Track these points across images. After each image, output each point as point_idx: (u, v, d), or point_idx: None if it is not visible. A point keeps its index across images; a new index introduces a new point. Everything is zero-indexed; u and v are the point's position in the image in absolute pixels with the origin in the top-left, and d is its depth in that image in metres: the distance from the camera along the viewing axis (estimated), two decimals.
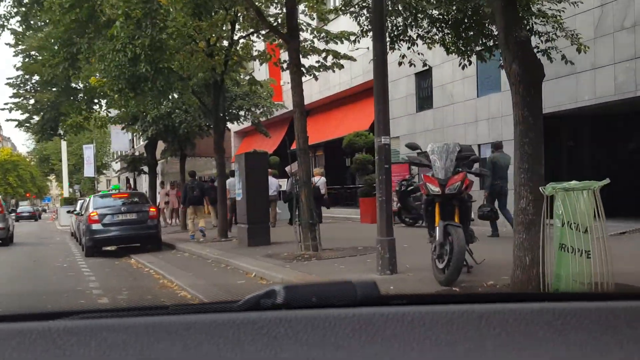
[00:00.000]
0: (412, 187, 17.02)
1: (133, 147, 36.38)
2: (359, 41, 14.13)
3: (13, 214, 31.55)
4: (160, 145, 29.35)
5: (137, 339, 1.10)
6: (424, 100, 18.98)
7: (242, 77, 20.32)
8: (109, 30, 11.47)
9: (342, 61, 17.25)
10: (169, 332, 1.12)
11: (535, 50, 12.03)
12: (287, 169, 12.73)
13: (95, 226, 17.40)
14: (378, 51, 9.18)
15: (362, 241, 13.41)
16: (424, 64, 11.77)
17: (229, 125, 26.99)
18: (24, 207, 75.01)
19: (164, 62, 11.72)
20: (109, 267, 14.74)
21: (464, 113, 16.68)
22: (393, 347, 1.11)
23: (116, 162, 33.49)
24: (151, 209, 17.99)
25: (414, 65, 11.50)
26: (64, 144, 49.26)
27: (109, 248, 18.25)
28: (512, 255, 6.74)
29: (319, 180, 20.06)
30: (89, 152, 52.62)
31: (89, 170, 52.15)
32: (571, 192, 5.20)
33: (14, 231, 25.17)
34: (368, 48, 21.96)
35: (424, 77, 19.03)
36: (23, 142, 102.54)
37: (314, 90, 26.38)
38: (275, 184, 20.50)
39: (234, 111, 23.95)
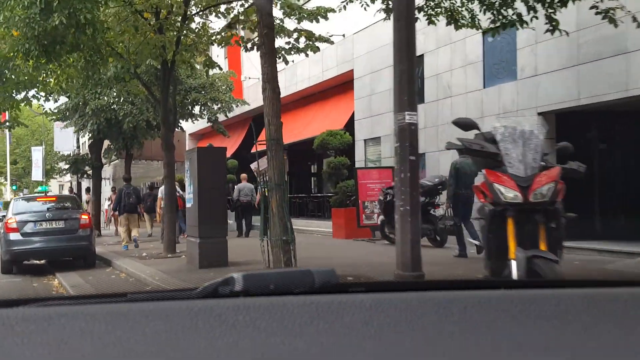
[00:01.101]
0: None
1: (78, 147, 32.26)
2: (345, 7, 10.81)
3: None
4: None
5: (96, 326, 1.05)
6: None
7: (198, 66, 16.72)
8: None
9: (315, 44, 13.87)
10: (127, 320, 1.07)
11: (593, 9, 8.86)
12: (253, 166, 9.26)
13: (12, 236, 13.62)
14: None
15: (346, 264, 10.05)
16: (453, 21, 8.43)
17: (183, 125, 23.46)
18: None
19: (86, 13, 8.12)
20: (19, 293, 11.01)
21: (466, 107, 13.35)
22: (351, 333, 1.06)
23: (58, 164, 29.38)
24: (83, 216, 14.26)
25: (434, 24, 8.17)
26: (8, 145, 44.65)
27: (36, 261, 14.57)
28: None
29: None
30: (37, 154, 48.59)
31: (36, 174, 47.88)
32: None
33: None
34: (344, 35, 18.71)
35: None
36: None
37: (280, 85, 22.94)
38: (250, 188, 18.54)
39: (188, 107, 20.35)
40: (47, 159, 50.18)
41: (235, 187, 18.76)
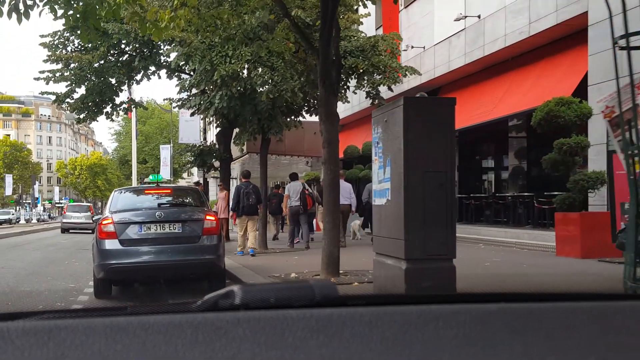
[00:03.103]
0: None
1: (205, 139, 28.14)
2: None
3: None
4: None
5: (96, 339, 1.02)
6: None
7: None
8: None
9: None
10: (127, 333, 1.04)
11: None
12: (604, 102, 3.91)
13: (108, 244, 9.11)
14: None
15: None
16: None
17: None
18: None
19: None
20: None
21: None
22: (351, 347, 1.04)
23: (182, 157, 25.40)
24: (208, 218, 9.48)
25: None
26: (134, 139, 41.96)
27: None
28: None
29: None
30: (165, 152, 46.28)
31: (164, 172, 45.41)
32: None
33: None
34: None
35: None
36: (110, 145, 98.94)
37: (455, 51, 17.44)
38: (348, 189, 15.56)
39: (343, 78, 15.29)
40: (175, 157, 47.51)
41: (366, 186, 15.57)
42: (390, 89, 15.66)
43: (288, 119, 16.41)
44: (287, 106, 15.52)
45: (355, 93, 16.45)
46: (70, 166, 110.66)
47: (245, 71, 14.56)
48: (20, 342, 1.01)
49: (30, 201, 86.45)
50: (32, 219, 64.85)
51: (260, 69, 13.73)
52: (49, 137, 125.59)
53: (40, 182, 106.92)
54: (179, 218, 9.38)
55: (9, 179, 77.46)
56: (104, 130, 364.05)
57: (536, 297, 1.30)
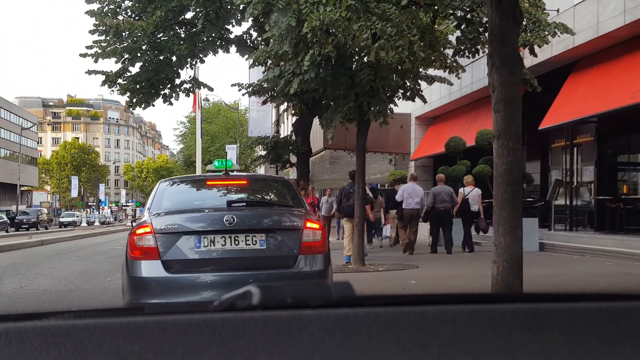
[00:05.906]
0: None
1: (278, 131, 24.54)
2: None
3: None
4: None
5: (113, 339, 1.00)
6: None
7: None
8: None
9: None
10: (144, 333, 1.01)
11: None
12: None
13: (145, 268, 5.47)
14: None
15: None
16: None
17: (408, 105, 14.48)
18: None
19: None
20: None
21: None
22: (368, 347, 1.03)
23: (253, 149, 21.98)
24: (309, 225, 5.67)
25: None
26: (198, 138, 38.94)
27: None
28: None
29: (471, 192, 14.36)
30: (231, 152, 43.32)
31: None
32: None
33: None
34: None
35: None
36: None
37: (608, 9, 13.18)
38: (420, 194, 14.63)
39: (464, 42, 11.34)
40: (242, 156, 44.48)
41: (431, 190, 14.98)
42: (533, 52, 11.55)
43: (385, 101, 12.50)
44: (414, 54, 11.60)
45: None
46: (137, 169, 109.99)
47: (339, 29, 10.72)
48: (38, 342, 0.99)
49: (95, 203, 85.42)
50: (95, 222, 62.89)
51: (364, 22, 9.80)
52: (117, 140, 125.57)
53: (107, 185, 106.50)
54: (261, 225, 5.61)
55: (74, 181, 76.35)
56: (170, 133, 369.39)
57: (552, 298, 1.27)
